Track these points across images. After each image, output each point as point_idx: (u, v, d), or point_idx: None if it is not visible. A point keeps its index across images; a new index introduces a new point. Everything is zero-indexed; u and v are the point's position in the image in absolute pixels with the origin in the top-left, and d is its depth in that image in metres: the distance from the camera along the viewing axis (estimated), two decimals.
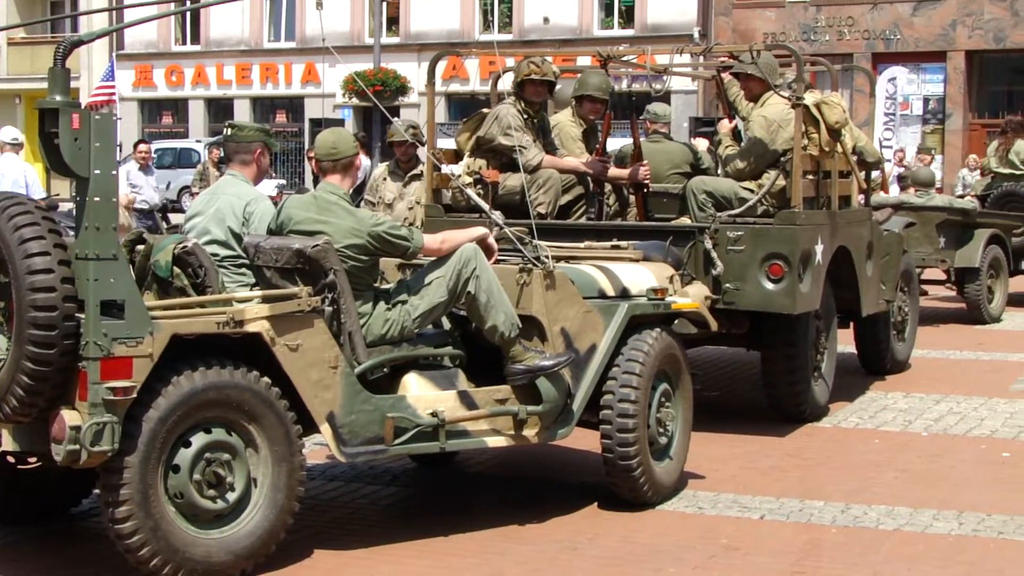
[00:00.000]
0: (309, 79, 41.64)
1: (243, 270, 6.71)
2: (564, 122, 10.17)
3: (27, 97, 44.84)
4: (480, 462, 8.39)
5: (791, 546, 6.65)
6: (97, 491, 5.82)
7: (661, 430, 7.35)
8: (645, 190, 9.90)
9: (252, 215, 6.75)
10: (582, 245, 8.38)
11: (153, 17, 8.85)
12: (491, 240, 6.94)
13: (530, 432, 6.82)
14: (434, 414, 6.42)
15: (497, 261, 6.95)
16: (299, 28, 41.90)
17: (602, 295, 7.31)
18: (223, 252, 6.69)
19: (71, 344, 5.47)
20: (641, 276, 7.62)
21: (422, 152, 10.96)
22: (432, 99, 10.52)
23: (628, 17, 39.09)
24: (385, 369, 6.50)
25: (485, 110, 9.87)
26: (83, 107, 5.54)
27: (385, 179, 11.59)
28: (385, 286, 6.89)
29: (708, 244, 8.94)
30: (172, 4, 36.37)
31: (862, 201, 10.78)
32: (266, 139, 7.13)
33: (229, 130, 7.16)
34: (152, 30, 43.12)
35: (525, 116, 9.48)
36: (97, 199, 5.46)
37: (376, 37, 37.85)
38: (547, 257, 6.99)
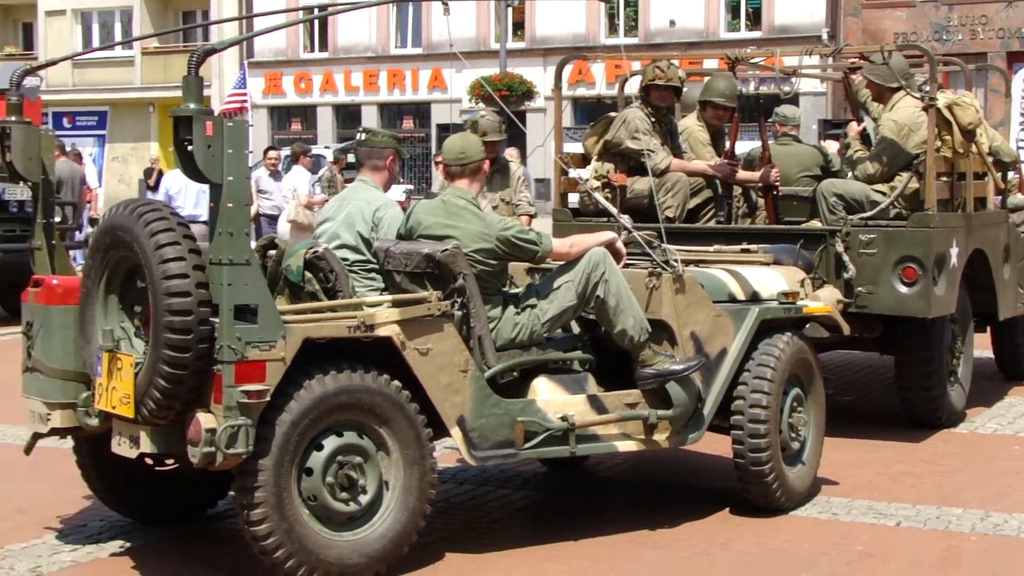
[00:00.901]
0: (436, 85, 41.89)
1: (372, 275, 6.75)
2: (692, 126, 10.11)
3: (160, 105, 45.66)
4: (610, 466, 8.36)
5: (929, 554, 6.53)
6: (232, 493, 5.90)
7: (793, 435, 7.27)
8: (775, 193, 9.80)
9: (381, 220, 6.79)
10: (711, 249, 8.31)
11: (283, 25, 8.96)
12: (620, 244, 6.91)
13: (660, 436, 6.77)
14: (564, 418, 6.41)
15: (626, 265, 6.92)
16: (426, 34, 42.16)
17: (732, 299, 7.25)
18: (353, 257, 6.74)
19: (206, 348, 5.54)
20: (772, 280, 7.54)
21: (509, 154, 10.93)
22: (559, 103, 10.52)
23: (755, 19, 38.76)
24: (515, 373, 6.50)
25: (612, 114, 9.83)
26: (216, 114, 5.61)
27: None
28: (514, 290, 6.89)
29: (840, 247, 8.82)
30: (301, 12, 36.83)
31: (998, 203, 10.56)
32: (398, 146, 7.17)
33: (362, 135, 7.19)
34: (281, 38, 43.64)
35: (653, 120, 9.43)
36: (230, 205, 5.53)
37: (502, 42, 37.96)
38: (676, 261, 6.94)
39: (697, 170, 9.61)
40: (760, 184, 9.78)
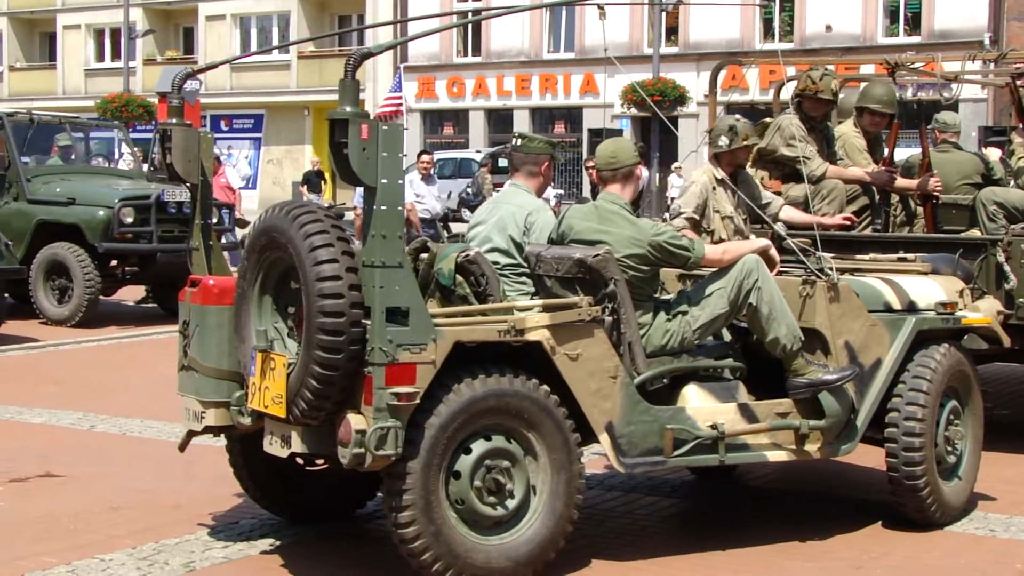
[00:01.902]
0: (588, 89, 41.89)
1: (523, 279, 6.75)
2: (848, 133, 9.94)
3: (315, 109, 46.34)
4: (760, 476, 8.26)
5: None
6: (381, 494, 5.92)
7: (949, 449, 7.10)
8: (934, 201, 9.60)
9: (533, 225, 6.78)
10: (867, 257, 8.17)
11: (437, 30, 9.02)
12: (773, 251, 6.82)
13: (812, 447, 6.66)
14: (714, 426, 6.34)
15: (779, 273, 6.83)
16: (579, 39, 42.18)
17: (888, 308, 7.10)
18: (504, 260, 6.74)
19: (357, 349, 5.58)
20: (929, 289, 7.38)
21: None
22: (713, 109, 10.43)
23: (915, 23, 38.10)
24: (664, 380, 6.44)
25: (767, 119, 9.72)
26: (371, 117, 5.65)
27: (715, 188, 8.60)
28: (665, 296, 6.83)
29: (1000, 257, 8.60)
30: (455, 17, 37.10)
31: None
32: (553, 152, 7.16)
33: (518, 140, 7.19)
34: (435, 43, 44.02)
35: (807, 126, 9.30)
36: (384, 208, 5.56)
37: (655, 47, 37.84)
38: (831, 269, 6.83)
39: (854, 177, 9.45)
40: (919, 192, 9.58)
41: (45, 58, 55.93)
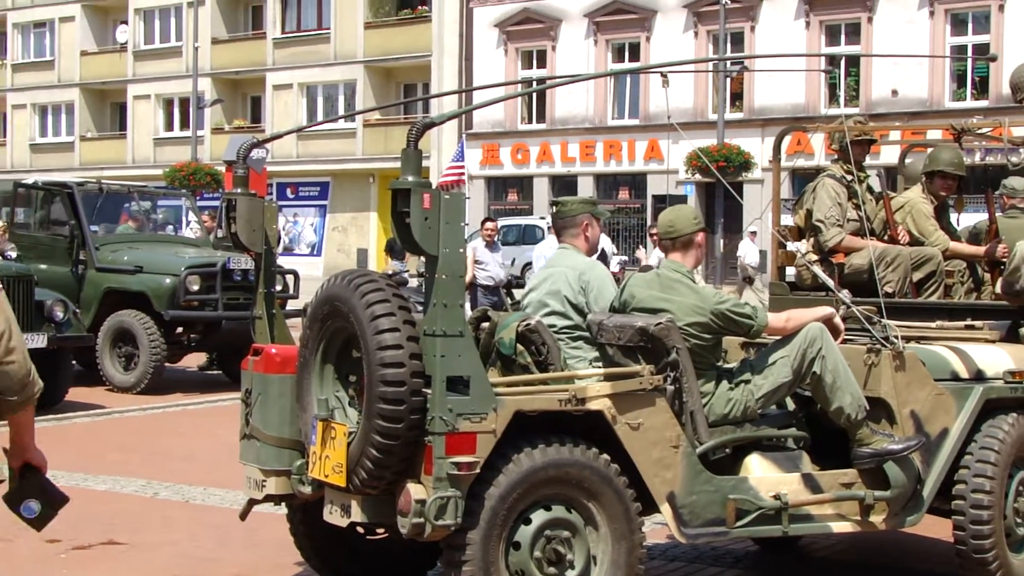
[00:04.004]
0: (652, 155, 41.94)
1: (580, 342, 6.71)
2: (915, 198, 9.84)
3: (380, 176, 46.69)
4: (825, 547, 8.15)
5: None
6: (440, 565, 5.89)
7: (1019, 520, 6.97)
8: (1001, 267, 9.48)
9: (588, 284, 6.75)
10: (934, 325, 8.07)
11: (502, 99, 9.04)
12: (837, 320, 6.75)
13: (877, 518, 6.56)
14: (777, 496, 6.26)
15: (844, 341, 6.76)
16: (643, 105, 42.28)
17: (955, 377, 7.00)
18: (560, 323, 6.71)
19: (418, 419, 5.57)
20: (997, 358, 7.26)
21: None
22: (777, 175, 10.38)
23: (982, 87, 37.90)
24: (727, 449, 6.38)
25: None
26: (434, 187, 5.66)
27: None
28: (728, 365, 6.78)
29: None
30: (519, 86, 37.30)
31: None
32: (592, 210, 7.13)
33: (554, 208, 7.20)
34: (500, 110, 44.27)
35: (850, 179, 9.18)
36: (445, 277, 5.56)
37: (720, 113, 37.88)
38: (896, 337, 6.75)
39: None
40: (986, 259, 9.47)
41: (116, 128, 56.78)
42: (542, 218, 40.43)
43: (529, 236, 39.13)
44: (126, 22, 54.97)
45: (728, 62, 32.95)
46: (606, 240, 18.51)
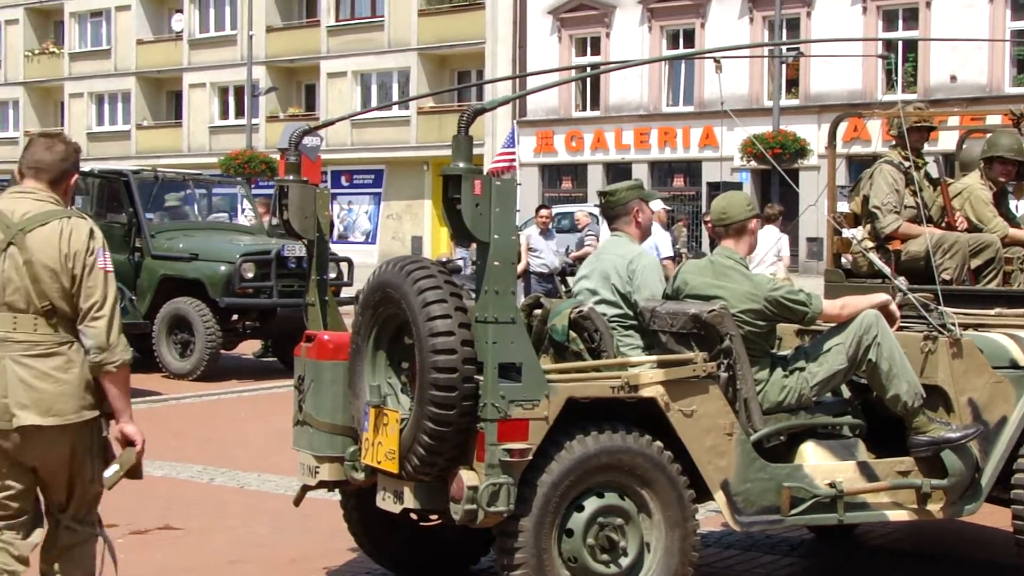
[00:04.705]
0: (707, 143, 41.76)
1: (631, 331, 6.68)
2: (974, 184, 9.72)
3: (434, 164, 46.70)
4: (881, 535, 8.09)
5: None
6: (493, 551, 5.89)
7: None
8: None
9: (635, 272, 6.71)
10: (992, 312, 7.97)
11: (554, 84, 8.97)
12: (893, 307, 6.69)
13: (934, 507, 6.49)
14: (832, 484, 6.21)
15: (900, 328, 6.69)
16: (698, 92, 42.09)
17: (1014, 365, 6.90)
18: (611, 312, 6.68)
19: (470, 405, 5.57)
20: None
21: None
22: (833, 161, 10.29)
23: None
24: (781, 437, 6.34)
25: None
26: (485, 173, 5.65)
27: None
28: (782, 352, 6.74)
29: None
30: (573, 71, 37.22)
31: None
32: (640, 194, 7.07)
33: (602, 198, 7.15)
34: (553, 97, 44.19)
35: (908, 166, 9.08)
36: (496, 263, 5.55)
37: (775, 99, 37.63)
38: (954, 324, 6.67)
39: (917, 232, 9.08)
40: None
41: (171, 116, 57.12)
42: (596, 205, 40.34)
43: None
44: (181, 11, 55.24)
45: (783, 48, 32.72)
46: (665, 236, 18.35)
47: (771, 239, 17.81)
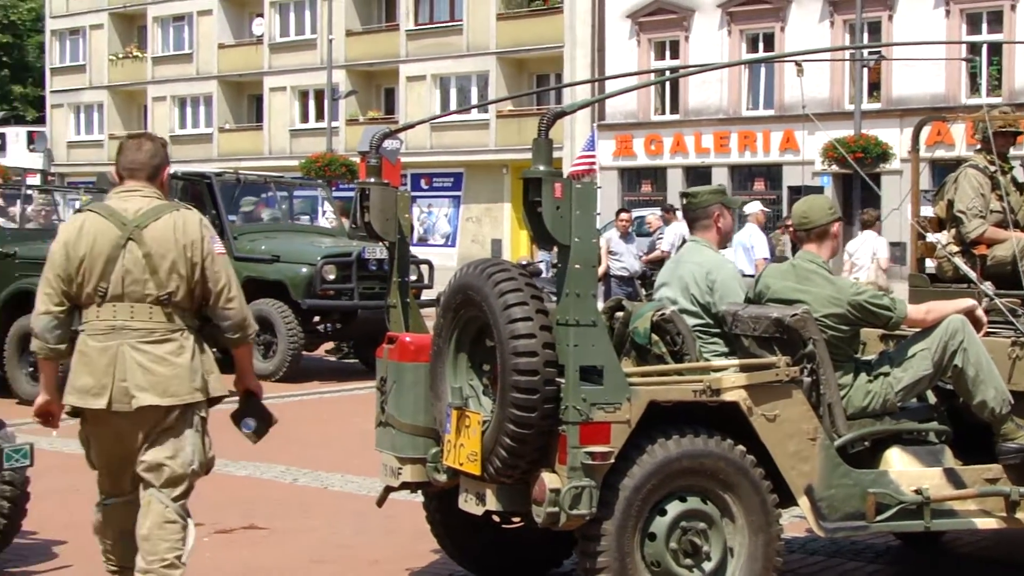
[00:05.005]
0: (787, 146, 41.46)
1: (715, 339, 6.64)
2: None
3: (513, 167, 46.73)
4: (969, 542, 7.98)
5: None
6: (575, 555, 5.89)
7: None
8: None
9: (715, 284, 6.65)
10: None
11: (633, 88, 8.97)
12: (980, 312, 6.62)
13: None
14: (918, 491, 6.15)
15: (987, 334, 6.61)
16: (778, 96, 41.81)
17: None
18: (692, 321, 6.62)
19: (551, 408, 5.57)
20: None
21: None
22: (916, 165, 10.18)
23: None
24: (866, 443, 6.29)
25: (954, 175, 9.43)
26: (565, 176, 5.65)
27: None
28: (866, 357, 6.68)
29: None
30: (652, 75, 37.12)
31: None
32: (722, 199, 7.03)
33: (684, 200, 7.11)
34: (632, 100, 44.08)
35: (993, 170, 8.96)
36: (577, 266, 5.55)
37: (856, 103, 37.31)
38: None
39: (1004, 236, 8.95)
40: None
41: (252, 119, 57.59)
42: (676, 210, 40.18)
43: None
44: (262, 15, 55.70)
45: (865, 51, 32.45)
46: (761, 237, 18.22)
47: (868, 243, 17.73)
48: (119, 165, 5.70)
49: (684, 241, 19.14)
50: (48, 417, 5.72)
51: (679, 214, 22.21)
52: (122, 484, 5.65)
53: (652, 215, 22.45)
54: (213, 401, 5.72)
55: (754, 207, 19.03)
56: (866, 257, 17.75)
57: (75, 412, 5.60)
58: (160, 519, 5.48)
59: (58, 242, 5.57)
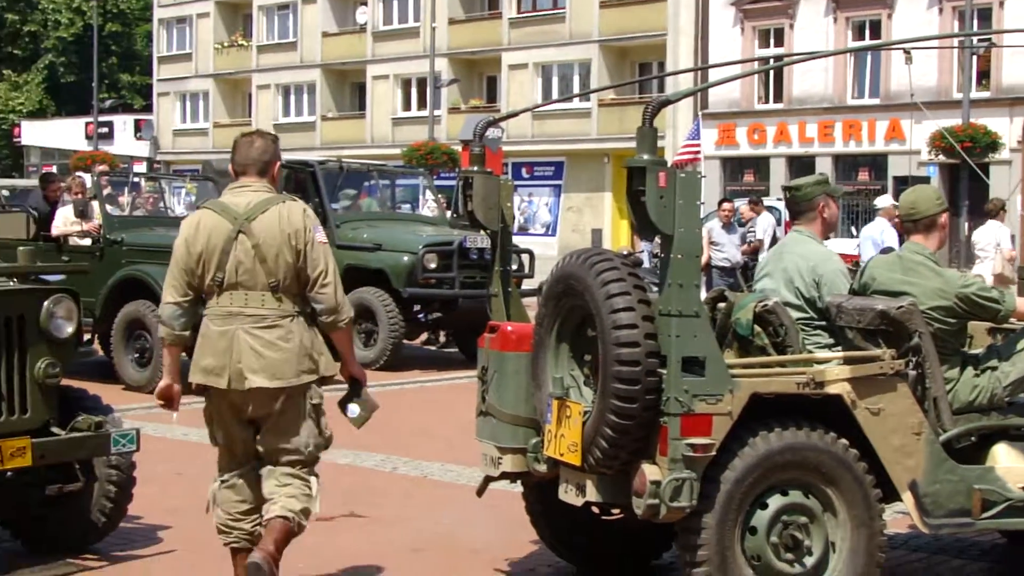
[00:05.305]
0: (893, 136, 40.91)
1: (819, 331, 6.55)
2: None
3: (615, 156, 46.58)
4: None
5: None
6: (675, 547, 5.86)
7: None
8: None
9: (822, 278, 6.55)
10: None
11: (737, 76, 8.93)
12: None
13: None
14: None
15: None
16: (884, 84, 41.28)
17: None
18: (795, 315, 6.53)
19: (653, 399, 5.54)
20: None
21: None
22: None
23: None
24: (972, 438, 6.20)
25: None
26: (669, 165, 5.61)
27: None
28: (973, 351, 6.57)
29: None
30: (756, 63, 36.81)
31: None
32: (827, 189, 6.91)
33: (787, 193, 7.02)
34: (735, 89, 43.73)
35: None
36: (680, 256, 5.51)
37: (965, 92, 36.71)
38: None
39: None
40: None
41: (355, 108, 57.94)
42: (778, 199, 39.86)
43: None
44: (366, 3, 55.99)
45: (975, 38, 31.94)
46: (893, 232, 18.00)
47: (991, 233, 17.48)
48: (233, 162, 6.16)
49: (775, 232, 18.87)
50: (169, 400, 6.14)
51: (771, 204, 22.09)
52: (239, 461, 6.12)
53: (744, 206, 22.29)
54: (325, 380, 6.09)
55: (885, 201, 18.92)
56: (990, 247, 17.48)
57: (200, 390, 6.07)
58: (284, 479, 6.03)
59: (179, 238, 6.05)
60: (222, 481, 6.14)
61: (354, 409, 6.25)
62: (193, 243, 5.99)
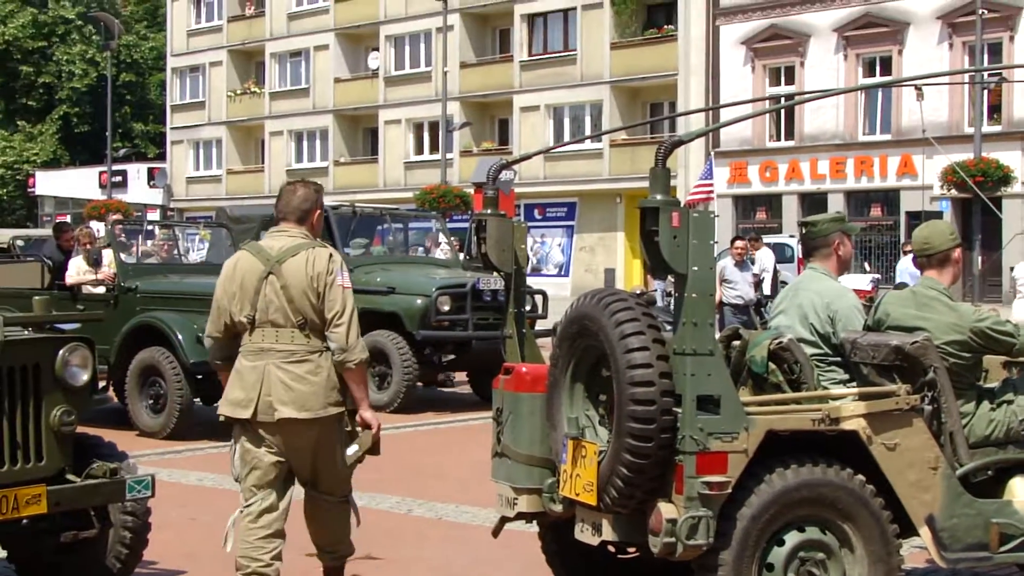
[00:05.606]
0: (905, 171, 40.95)
1: (834, 367, 6.55)
2: None
3: (627, 196, 46.68)
4: None
5: None
6: None
7: None
8: None
9: (836, 314, 6.56)
10: None
11: (749, 116, 8.93)
12: None
13: None
14: None
15: None
16: (895, 120, 41.35)
17: None
18: (810, 351, 6.53)
19: (668, 438, 5.54)
20: None
21: None
22: None
23: None
24: (989, 472, 6.18)
25: None
26: (682, 205, 5.63)
27: None
28: (989, 384, 6.56)
29: None
30: (767, 103, 36.88)
31: None
32: (842, 226, 6.94)
33: (804, 228, 7.04)
34: (747, 127, 43.84)
35: None
36: (694, 295, 5.52)
37: (976, 126, 36.78)
38: None
39: None
40: None
41: (367, 152, 58.16)
42: (791, 236, 39.86)
43: (778, 254, 38.58)
44: (378, 49, 56.31)
45: (985, 73, 31.98)
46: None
47: None
48: (276, 208, 6.64)
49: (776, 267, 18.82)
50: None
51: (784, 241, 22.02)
52: (264, 488, 6.39)
53: (739, 243, 22.34)
54: (353, 412, 6.55)
55: None
56: None
57: (229, 421, 6.48)
58: (328, 511, 6.61)
59: (220, 277, 6.56)
60: (244, 508, 6.39)
61: (353, 446, 6.57)
62: (230, 282, 6.48)
